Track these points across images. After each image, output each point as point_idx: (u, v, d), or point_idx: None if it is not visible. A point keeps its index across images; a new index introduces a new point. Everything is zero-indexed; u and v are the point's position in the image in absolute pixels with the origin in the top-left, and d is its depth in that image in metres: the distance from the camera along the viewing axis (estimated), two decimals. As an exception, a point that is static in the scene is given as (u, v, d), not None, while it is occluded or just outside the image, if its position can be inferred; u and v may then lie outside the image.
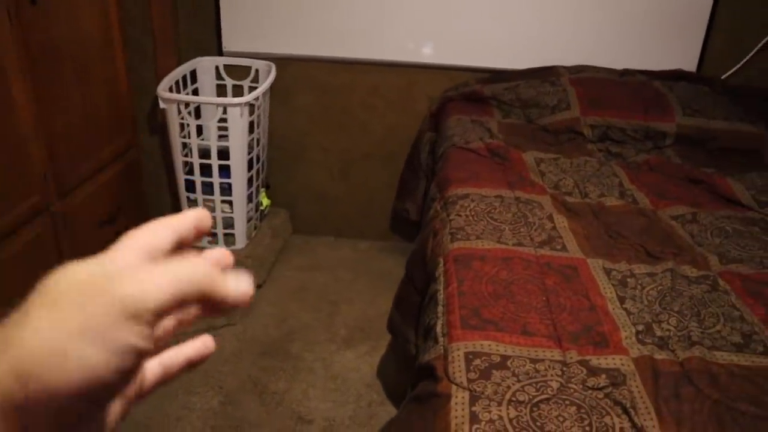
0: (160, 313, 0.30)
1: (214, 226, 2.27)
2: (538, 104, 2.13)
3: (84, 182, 1.96)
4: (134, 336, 0.29)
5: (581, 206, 1.63)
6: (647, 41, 2.30)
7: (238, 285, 0.33)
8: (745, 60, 2.25)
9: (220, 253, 0.37)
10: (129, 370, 0.30)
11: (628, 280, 1.31)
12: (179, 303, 0.31)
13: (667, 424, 0.94)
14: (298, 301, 2.34)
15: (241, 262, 2.29)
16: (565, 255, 1.39)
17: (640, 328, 1.16)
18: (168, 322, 0.33)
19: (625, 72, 2.25)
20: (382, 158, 2.61)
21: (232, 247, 2.32)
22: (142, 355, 0.30)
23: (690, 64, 2.29)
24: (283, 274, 2.51)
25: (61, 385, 0.27)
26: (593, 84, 2.15)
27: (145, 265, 0.31)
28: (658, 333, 1.16)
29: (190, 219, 0.35)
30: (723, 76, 2.28)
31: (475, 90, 2.26)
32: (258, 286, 2.36)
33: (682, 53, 2.29)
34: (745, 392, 1.03)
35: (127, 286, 0.29)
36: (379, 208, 2.71)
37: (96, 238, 2.03)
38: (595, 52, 2.32)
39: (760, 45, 2.21)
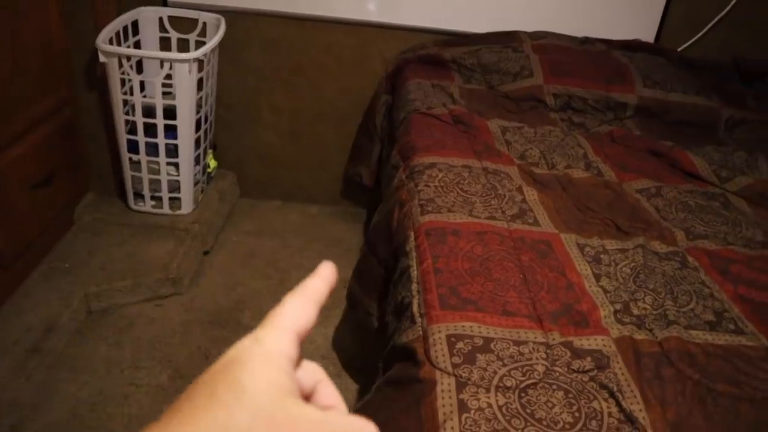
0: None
1: (159, 189, 2.14)
2: (500, 70, 2.08)
3: (14, 142, 1.79)
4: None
5: (549, 178, 1.60)
6: (606, 9, 2.27)
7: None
8: (702, 32, 2.26)
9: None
10: None
11: (602, 256, 1.29)
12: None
13: (653, 408, 0.93)
14: (247, 268, 2.25)
15: (188, 228, 2.17)
16: (537, 229, 1.36)
17: (618, 306, 1.15)
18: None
19: (586, 40, 2.22)
20: (334, 120, 2.52)
21: (178, 212, 2.20)
22: None
23: (648, 34, 2.28)
24: (231, 240, 2.41)
25: None
26: (556, 51, 2.11)
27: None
28: (635, 312, 1.14)
29: (327, 284, 0.35)
30: (680, 48, 2.28)
31: (434, 53, 2.18)
32: (205, 253, 2.25)
33: (640, 23, 2.27)
34: (721, 372, 1.03)
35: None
36: (330, 171, 2.63)
37: (28, 201, 1.87)
38: (554, 18, 2.28)
39: (717, 18, 2.22)
